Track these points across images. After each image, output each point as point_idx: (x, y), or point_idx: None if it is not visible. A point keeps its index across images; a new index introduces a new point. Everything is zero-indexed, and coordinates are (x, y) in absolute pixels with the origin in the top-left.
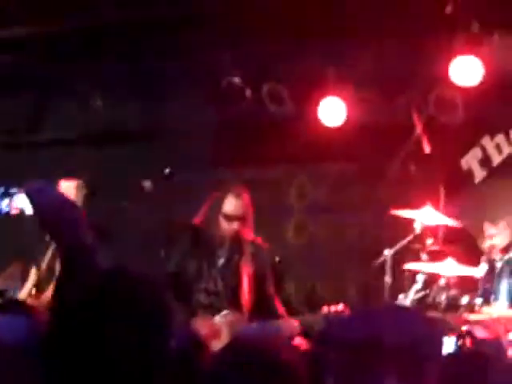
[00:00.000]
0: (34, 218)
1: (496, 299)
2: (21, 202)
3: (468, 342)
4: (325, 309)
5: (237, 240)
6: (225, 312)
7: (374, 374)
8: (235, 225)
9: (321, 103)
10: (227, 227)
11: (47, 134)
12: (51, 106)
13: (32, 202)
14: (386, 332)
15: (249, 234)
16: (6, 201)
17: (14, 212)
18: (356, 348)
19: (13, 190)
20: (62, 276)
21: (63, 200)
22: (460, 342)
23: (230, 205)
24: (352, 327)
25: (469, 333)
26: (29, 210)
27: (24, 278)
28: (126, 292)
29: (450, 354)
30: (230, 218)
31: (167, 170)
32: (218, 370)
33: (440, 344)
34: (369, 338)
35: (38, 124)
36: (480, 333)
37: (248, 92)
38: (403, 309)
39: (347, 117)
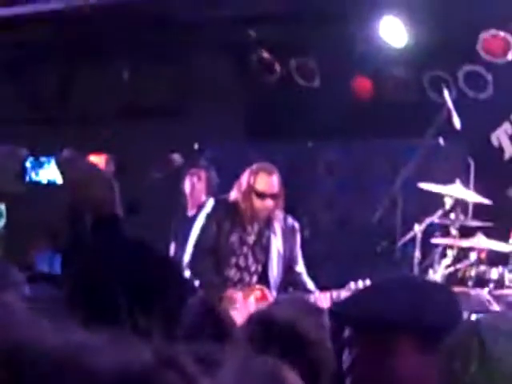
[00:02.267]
0: (64, 189)
1: None
2: (51, 173)
3: None
4: (352, 285)
5: (268, 217)
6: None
7: (391, 351)
8: (267, 202)
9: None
10: (259, 204)
11: (75, 110)
12: (79, 81)
13: (63, 171)
14: (401, 309)
15: (280, 212)
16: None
17: (44, 182)
18: (371, 325)
19: (43, 159)
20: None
21: (96, 170)
22: None
23: (263, 182)
24: (366, 304)
25: None
26: (59, 180)
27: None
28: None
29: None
30: (262, 195)
31: (196, 146)
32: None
33: (456, 319)
34: (383, 316)
35: (65, 99)
36: None
37: (277, 66)
38: (420, 284)
39: (376, 92)
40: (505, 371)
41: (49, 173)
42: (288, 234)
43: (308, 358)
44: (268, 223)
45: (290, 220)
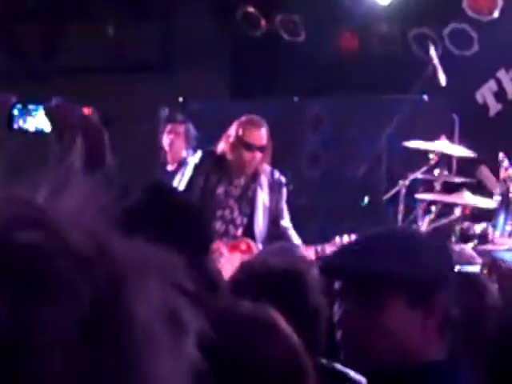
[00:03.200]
0: (53, 135)
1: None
2: (39, 121)
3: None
4: (337, 239)
5: (255, 170)
6: None
7: (380, 304)
8: (256, 154)
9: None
10: (247, 156)
11: (60, 65)
12: (65, 33)
13: (52, 118)
14: (390, 262)
15: (267, 166)
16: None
17: (32, 129)
18: (360, 278)
19: (31, 107)
20: None
21: (85, 116)
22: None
23: (252, 134)
24: (355, 256)
25: (494, 264)
26: (47, 129)
27: None
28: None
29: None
30: (251, 147)
31: (181, 99)
32: (233, 285)
33: (448, 271)
34: (372, 268)
35: (51, 54)
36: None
37: (262, 21)
38: (409, 236)
39: (362, 47)
40: None
41: (37, 121)
42: (275, 187)
43: (304, 304)
44: (255, 176)
45: (277, 174)
